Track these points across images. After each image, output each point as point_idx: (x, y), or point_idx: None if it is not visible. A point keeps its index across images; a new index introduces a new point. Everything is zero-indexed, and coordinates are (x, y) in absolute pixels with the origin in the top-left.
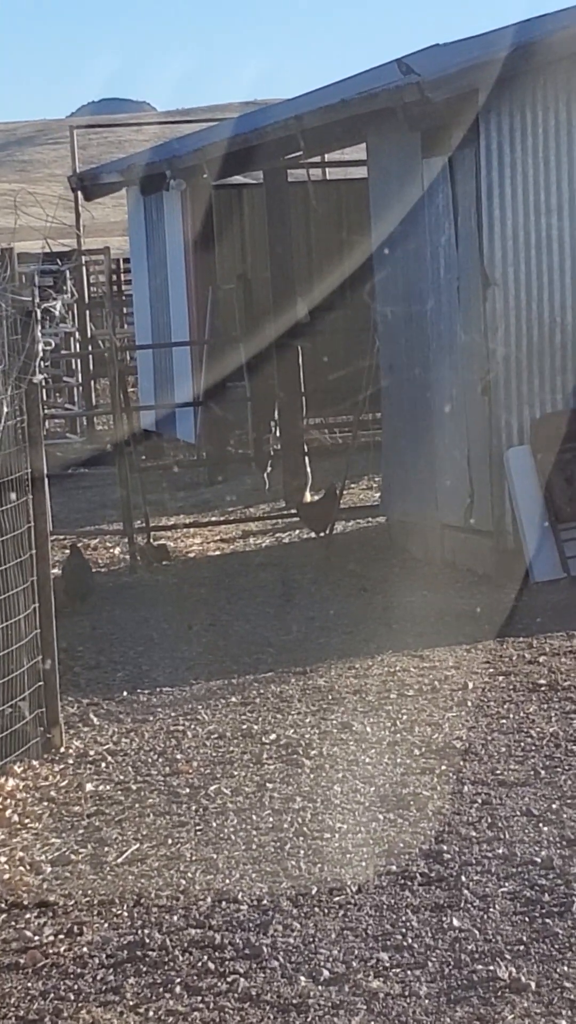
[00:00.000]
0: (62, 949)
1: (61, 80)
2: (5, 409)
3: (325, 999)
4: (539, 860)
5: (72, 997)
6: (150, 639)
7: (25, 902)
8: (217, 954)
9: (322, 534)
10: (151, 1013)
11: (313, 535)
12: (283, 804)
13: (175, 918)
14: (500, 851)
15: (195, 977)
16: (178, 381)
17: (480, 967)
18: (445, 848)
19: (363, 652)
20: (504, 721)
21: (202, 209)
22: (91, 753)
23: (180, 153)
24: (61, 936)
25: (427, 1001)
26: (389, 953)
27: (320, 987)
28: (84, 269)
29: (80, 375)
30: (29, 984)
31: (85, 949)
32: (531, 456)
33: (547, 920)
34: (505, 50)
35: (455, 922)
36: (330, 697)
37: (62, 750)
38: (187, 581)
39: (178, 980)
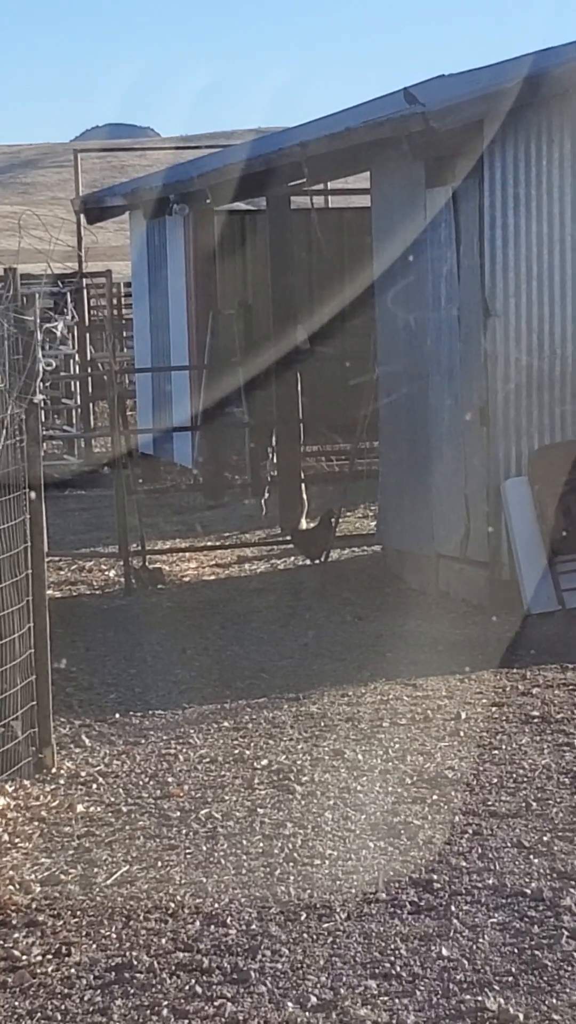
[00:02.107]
0: (50, 969)
1: (66, 104)
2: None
3: None
4: (529, 891)
5: (59, 1017)
6: (144, 662)
7: (14, 921)
8: (205, 978)
9: (317, 561)
10: None
11: (308, 562)
12: (274, 830)
13: (163, 941)
14: (490, 882)
15: (182, 1000)
16: (176, 405)
17: (468, 997)
18: (435, 877)
19: (356, 680)
20: (496, 752)
21: (205, 235)
22: (83, 774)
23: (184, 178)
24: (49, 956)
25: None
26: (377, 981)
27: (307, 1013)
28: (85, 292)
29: (79, 397)
30: (16, 1003)
31: (73, 970)
32: (529, 487)
33: (536, 952)
34: (511, 82)
35: (444, 951)
36: (322, 724)
37: (54, 771)
38: (182, 605)
39: (165, 1003)
